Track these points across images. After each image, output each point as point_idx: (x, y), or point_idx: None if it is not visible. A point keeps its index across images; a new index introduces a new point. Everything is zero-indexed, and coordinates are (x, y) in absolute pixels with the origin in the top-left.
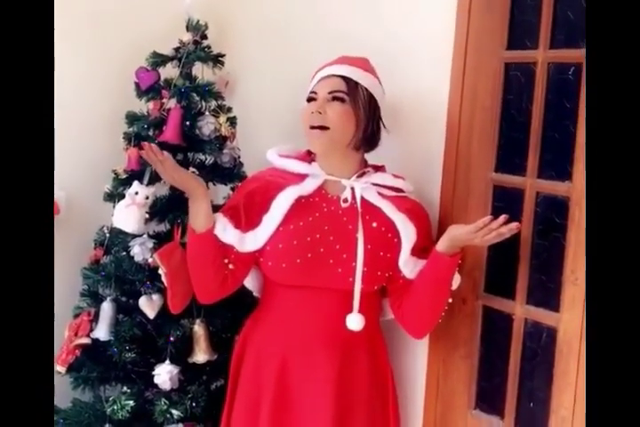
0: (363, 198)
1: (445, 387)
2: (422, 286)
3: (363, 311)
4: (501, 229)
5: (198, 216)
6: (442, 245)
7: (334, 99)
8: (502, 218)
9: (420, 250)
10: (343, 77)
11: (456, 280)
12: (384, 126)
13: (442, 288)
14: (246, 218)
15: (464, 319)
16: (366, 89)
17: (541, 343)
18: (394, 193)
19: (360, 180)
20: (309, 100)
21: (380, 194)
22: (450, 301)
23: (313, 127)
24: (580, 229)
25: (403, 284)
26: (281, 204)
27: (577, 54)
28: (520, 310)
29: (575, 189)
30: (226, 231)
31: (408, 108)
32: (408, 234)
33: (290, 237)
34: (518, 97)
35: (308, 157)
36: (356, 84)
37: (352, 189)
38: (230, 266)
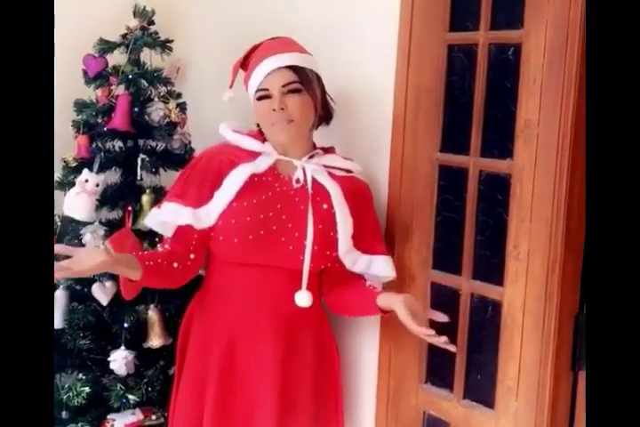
0: (314, 180)
1: (397, 362)
2: (351, 308)
3: (310, 289)
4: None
5: (126, 272)
6: (383, 302)
7: (290, 91)
8: (442, 339)
9: (363, 237)
10: (290, 67)
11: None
12: (331, 99)
13: (369, 315)
14: (199, 194)
15: (414, 295)
16: (312, 71)
17: (487, 317)
18: (344, 173)
19: (311, 161)
20: (261, 97)
21: (330, 175)
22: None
23: (277, 123)
24: (520, 204)
25: (339, 268)
26: (233, 180)
27: (516, 35)
28: (466, 285)
29: (516, 165)
30: (179, 215)
31: (355, 92)
32: (346, 227)
33: (243, 213)
34: (461, 78)
35: (261, 135)
36: (304, 69)
37: (303, 169)
38: (192, 255)
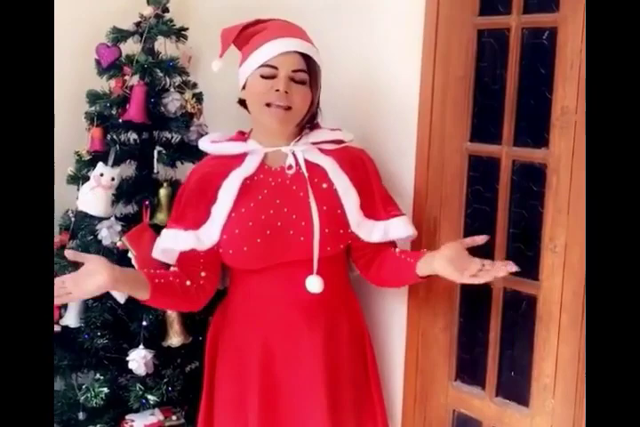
0: (307, 161)
1: (425, 360)
2: (394, 281)
3: (328, 275)
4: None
5: (132, 292)
6: (423, 270)
7: (296, 79)
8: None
9: (373, 205)
10: (302, 55)
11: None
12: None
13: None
14: (196, 214)
15: (442, 291)
16: (319, 67)
17: (521, 312)
18: (335, 146)
19: (299, 143)
20: (265, 75)
21: (321, 150)
22: None
23: (275, 105)
24: (557, 196)
25: (362, 242)
26: (228, 191)
27: (551, 19)
28: (499, 280)
29: (552, 155)
30: (179, 240)
31: (379, 80)
32: (350, 199)
33: (244, 220)
34: (492, 64)
35: (242, 136)
36: (315, 63)
37: (294, 154)
38: (202, 273)
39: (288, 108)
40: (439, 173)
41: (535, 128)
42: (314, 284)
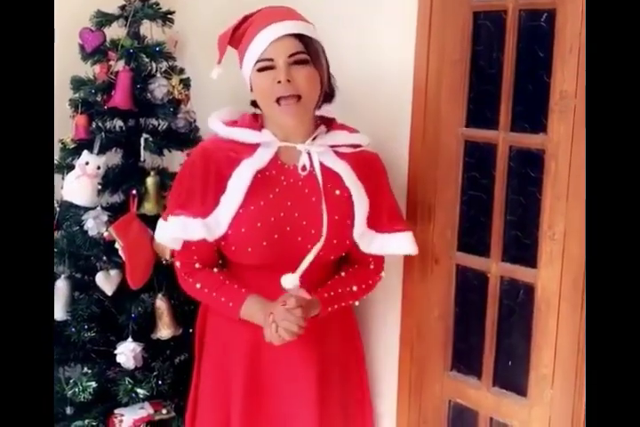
0: (321, 165)
1: (420, 350)
2: None
3: (322, 275)
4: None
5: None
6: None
7: (296, 62)
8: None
9: (380, 216)
10: (295, 35)
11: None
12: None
13: None
14: (204, 202)
15: (437, 280)
16: (318, 42)
17: (518, 301)
18: (351, 149)
19: (315, 142)
20: (263, 68)
21: (337, 153)
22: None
23: (282, 98)
24: (556, 182)
25: (362, 254)
26: (238, 182)
27: (549, 0)
28: (495, 268)
29: (550, 140)
30: (188, 228)
31: (374, 65)
32: (362, 209)
33: (252, 219)
34: (488, 47)
35: (256, 122)
36: (311, 40)
37: (309, 154)
38: (220, 262)
39: (298, 100)
40: (434, 159)
41: (533, 113)
42: (288, 280)
